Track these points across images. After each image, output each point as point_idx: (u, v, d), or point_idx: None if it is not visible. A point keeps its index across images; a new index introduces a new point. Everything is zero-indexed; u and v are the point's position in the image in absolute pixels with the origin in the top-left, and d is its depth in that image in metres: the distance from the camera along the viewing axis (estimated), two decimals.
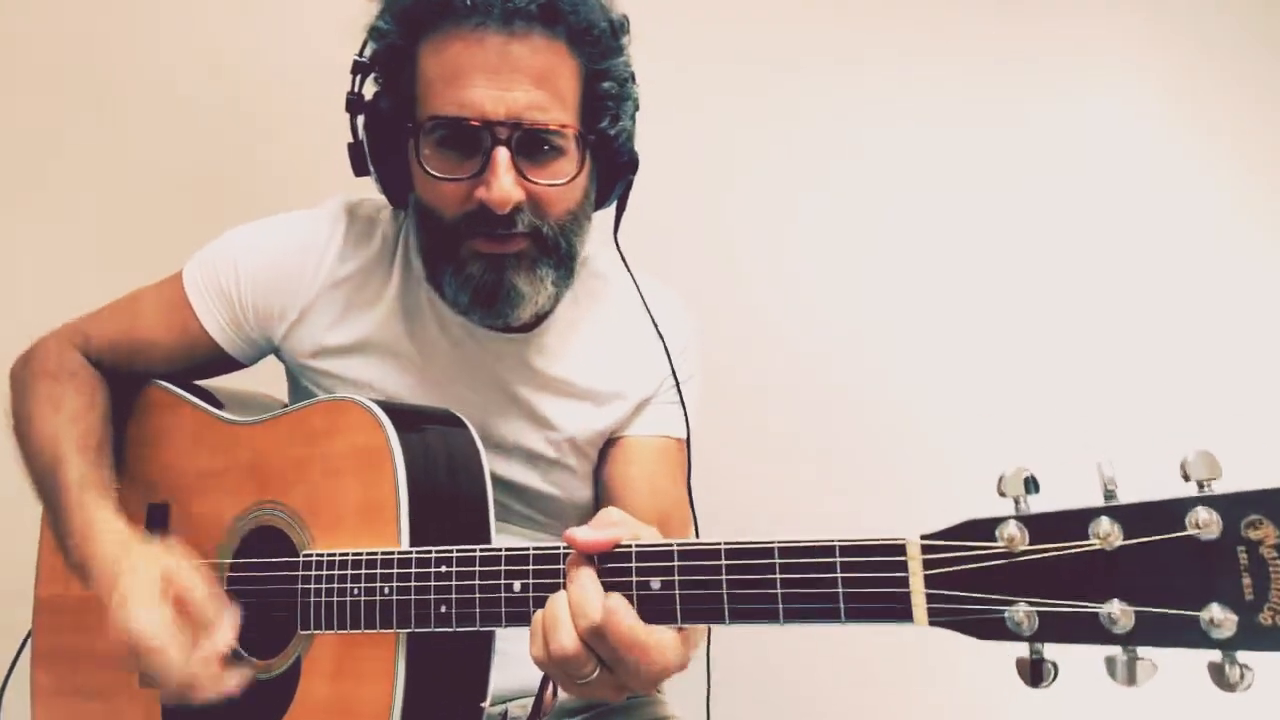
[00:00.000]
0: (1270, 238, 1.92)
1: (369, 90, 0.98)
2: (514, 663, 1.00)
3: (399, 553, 0.79)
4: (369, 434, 0.86)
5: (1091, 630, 0.55)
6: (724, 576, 0.65)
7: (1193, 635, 0.53)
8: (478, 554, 0.75)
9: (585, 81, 0.95)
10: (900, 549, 0.60)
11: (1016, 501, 0.58)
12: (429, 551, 0.78)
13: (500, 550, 0.75)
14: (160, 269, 1.08)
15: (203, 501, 0.97)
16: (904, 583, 0.59)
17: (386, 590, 0.79)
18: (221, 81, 1.72)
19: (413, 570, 0.78)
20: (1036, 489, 0.58)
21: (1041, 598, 0.56)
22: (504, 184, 0.88)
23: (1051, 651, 0.58)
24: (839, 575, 0.61)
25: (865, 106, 1.89)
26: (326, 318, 1.03)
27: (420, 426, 0.89)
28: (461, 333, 1.03)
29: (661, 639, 0.66)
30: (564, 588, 0.69)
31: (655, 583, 0.67)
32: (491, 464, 0.91)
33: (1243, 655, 0.53)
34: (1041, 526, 0.57)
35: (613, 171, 1.01)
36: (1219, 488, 0.54)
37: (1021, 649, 0.58)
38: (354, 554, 0.81)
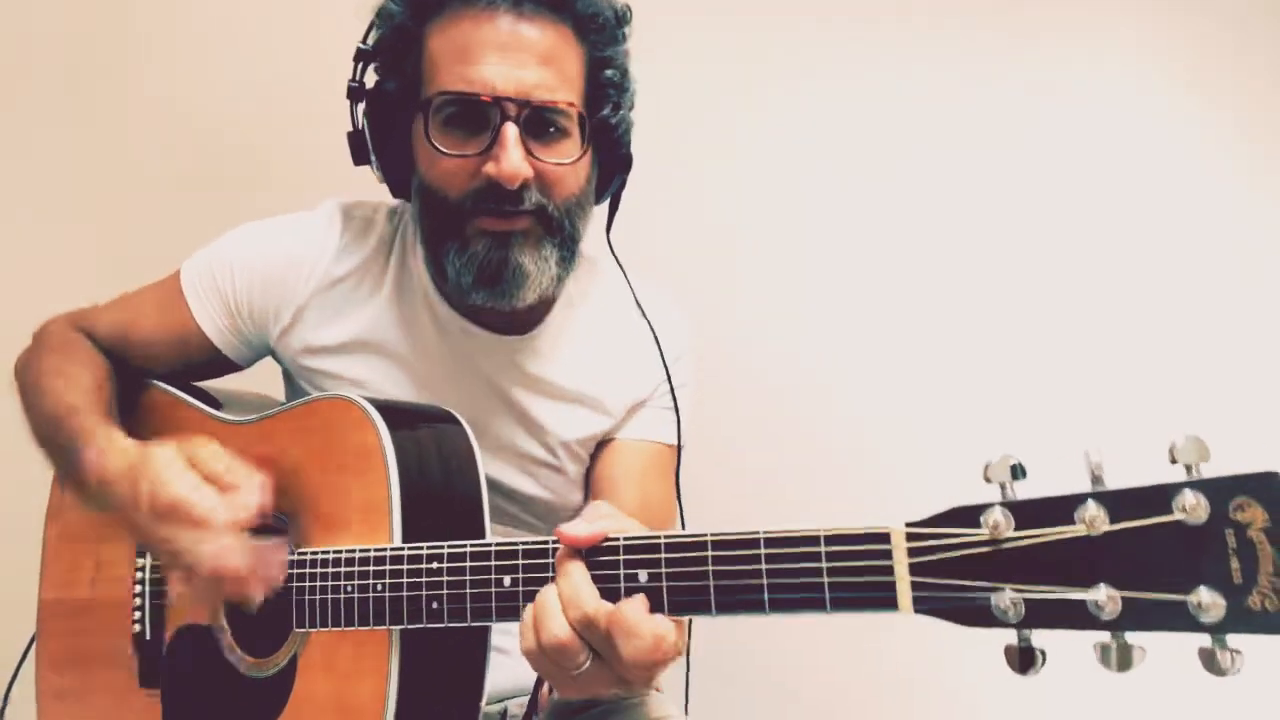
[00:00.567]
0: (1255, 223, 1.89)
1: (370, 80, 0.99)
2: (513, 662, 1.00)
3: (390, 549, 0.80)
4: (362, 432, 0.86)
5: (1079, 616, 0.54)
6: (710, 568, 0.65)
7: (1181, 619, 0.52)
8: (468, 550, 0.75)
9: (589, 68, 0.96)
10: (885, 537, 0.59)
11: (1002, 488, 0.58)
12: (420, 548, 0.78)
13: (490, 545, 0.75)
14: (160, 269, 1.09)
15: None
16: (889, 570, 0.59)
17: (379, 587, 0.79)
18: (222, 81, 1.73)
19: (404, 567, 0.78)
20: (1023, 475, 0.58)
21: (1027, 584, 0.55)
22: (514, 158, 0.89)
23: (1040, 640, 0.57)
24: (824, 565, 0.61)
25: (849, 94, 1.87)
26: (322, 318, 1.03)
27: (414, 424, 0.89)
28: (457, 333, 1.03)
29: (656, 621, 0.65)
30: (553, 581, 0.69)
31: (642, 575, 0.67)
32: (483, 465, 0.91)
33: (1232, 639, 0.52)
34: (1027, 513, 0.56)
35: (609, 165, 1.02)
36: (1207, 471, 0.53)
37: (1010, 637, 0.57)
38: (346, 551, 0.82)
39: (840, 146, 1.86)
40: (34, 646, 1.07)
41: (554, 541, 0.71)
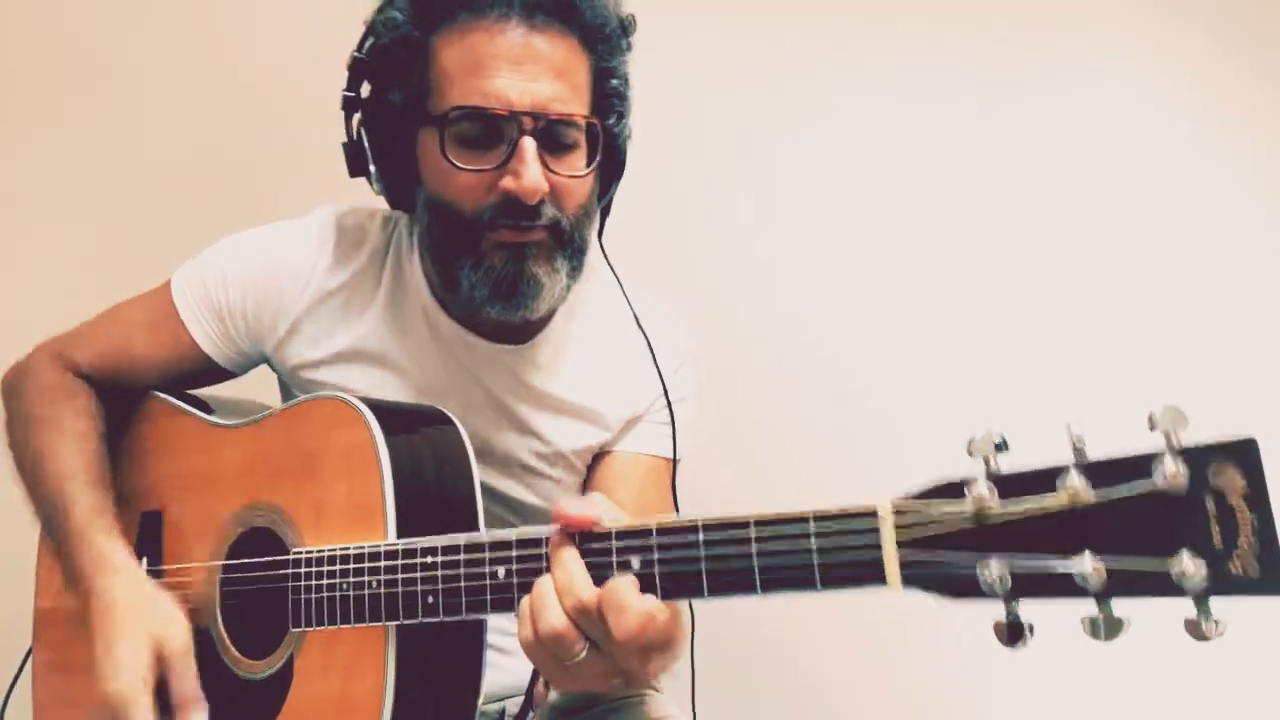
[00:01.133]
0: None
1: (364, 90, 0.97)
2: (511, 663, 1.00)
3: (385, 546, 0.80)
4: (355, 432, 0.86)
5: (1064, 585, 0.55)
6: (701, 551, 0.65)
7: (1164, 585, 0.53)
8: (462, 543, 0.76)
9: (595, 78, 0.97)
10: (872, 514, 0.60)
11: (986, 461, 0.58)
12: (414, 543, 0.78)
13: (483, 538, 0.75)
14: (160, 269, 1.09)
15: (195, 507, 0.97)
16: (876, 546, 0.59)
17: (374, 584, 0.80)
18: (221, 81, 1.73)
19: (399, 562, 0.79)
20: (1006, 448, 0.58)
21: (1013, 554, 0.56)
22: (533, 173, 0.89)
23: (1028, 614, 0.58)
24: (813, 543, 0.61)
25: (839, 93, 1.89)
26: (316, 331, 1.03)
27: (406, 422, 0.89)
28: (456, 342, 1.03)
29: (645, 599, 0.65)
30: (548, 571, 0.69)
31: (635, 561, 0.67)
32: (479, 473, 0.91)
33: (1215, 605, 0.53)
34: (1011, 485, 0.57)
35: (606, 172, 1.03)
36: (1186, 440, 0.54)
37: (998, 611, 0.58)
38: (341, 549, 0.82)
39: (840, 147, 1.87)
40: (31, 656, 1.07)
41: (546, 533, 0.71)
